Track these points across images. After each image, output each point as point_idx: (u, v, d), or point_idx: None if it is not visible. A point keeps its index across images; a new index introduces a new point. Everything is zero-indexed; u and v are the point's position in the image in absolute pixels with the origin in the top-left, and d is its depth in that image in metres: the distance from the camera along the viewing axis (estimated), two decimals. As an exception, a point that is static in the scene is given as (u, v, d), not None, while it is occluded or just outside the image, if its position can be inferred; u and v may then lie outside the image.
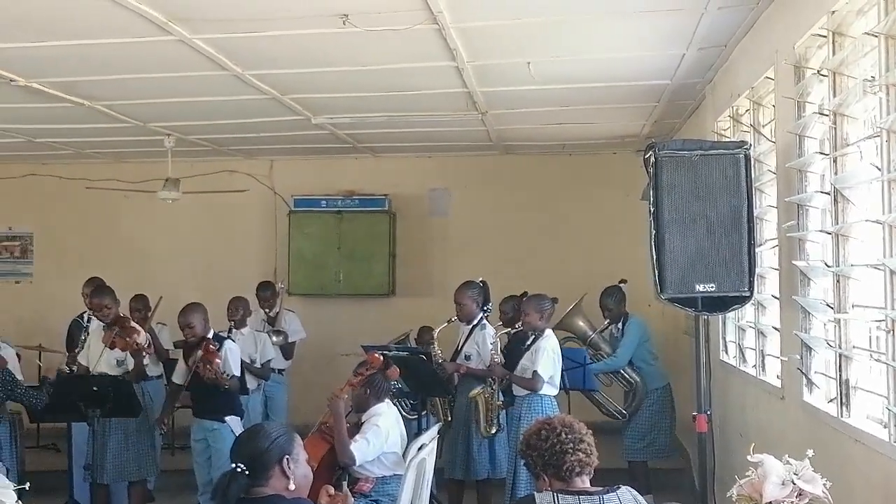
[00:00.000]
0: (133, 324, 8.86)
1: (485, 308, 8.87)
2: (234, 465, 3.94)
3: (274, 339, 10.67)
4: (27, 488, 4.00)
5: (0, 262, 13.62)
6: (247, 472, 3.92)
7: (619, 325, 9.59)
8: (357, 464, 6.59)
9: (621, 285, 9.69)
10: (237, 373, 8.34)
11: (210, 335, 8.34)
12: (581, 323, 9.76)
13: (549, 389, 8.13)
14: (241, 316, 10.14)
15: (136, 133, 10.48)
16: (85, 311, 9.92)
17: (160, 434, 8.96)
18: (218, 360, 8.09)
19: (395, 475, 6.67)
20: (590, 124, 10.56)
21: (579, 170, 12.74)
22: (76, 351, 9.32)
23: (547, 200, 12.77)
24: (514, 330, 8.72)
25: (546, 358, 8.05)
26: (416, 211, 13.15)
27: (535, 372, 8.02)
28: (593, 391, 9.41)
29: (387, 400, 7.02)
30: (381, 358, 7.11)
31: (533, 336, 8.25)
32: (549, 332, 8.28)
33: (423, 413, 8.93)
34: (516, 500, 5.66)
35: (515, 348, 8.54)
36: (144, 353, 8.74)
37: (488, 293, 8.96)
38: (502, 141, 11.77)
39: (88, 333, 9.28)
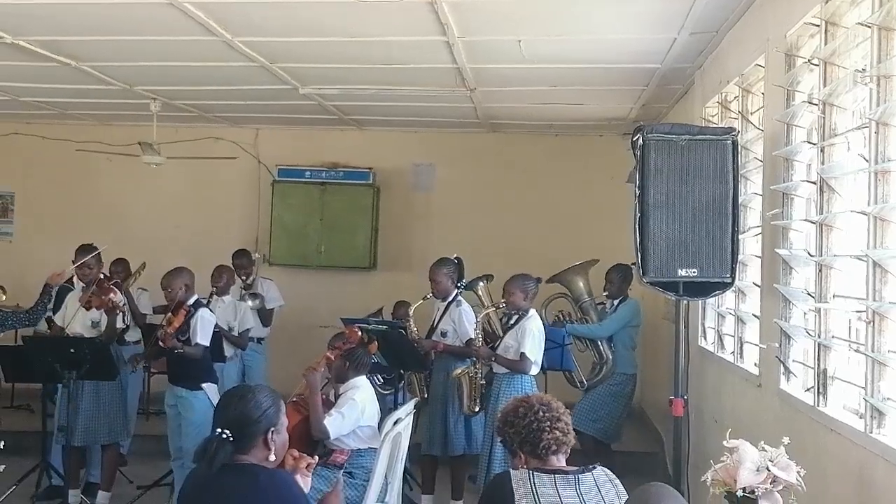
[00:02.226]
0: (111, 284, 8.77)
1: (459, 284, 8.86)
2: (219, 431, 3.86)
3: (250, 302, 10.63)
4: (2, 447, 3.98)
5: (-20, 221, 13.54)
6: (231, 439, 3.85)
7: (615, 302, 9.59)
8: (331, 438, 6.60)
9: (633, 266, 9.63)
10: (205, 343, 8.26)
11: (192, 301, 8.31)
12: (581, 284, 9.84)
13: (533, 369, 8.14)
14: (224, 283, 10.13)
15: (122, 96, 10.41)
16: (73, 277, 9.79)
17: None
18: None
19: (370, 448, 6.68)
20: (578, 105, 10.55)
21: (565, 151, 12.74)
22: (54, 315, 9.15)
23: (531, 180, 12.77)
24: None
25: (532, 339, 8.04)
26: (399, 185, 13.14)
27: (522, 354, 8.00)
28: (570, 371, 9.43)
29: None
30: (359, 332, 7.11)
31: (517, 315, 8.23)
32: (532, 311, 8.23)
33: (400, 386, 8.93)
34: (492, 476, 5.64)
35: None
36: (118, 312, 8.64)
37: (463, 269, 8.95)
38: (489, 119, 11.74)
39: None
